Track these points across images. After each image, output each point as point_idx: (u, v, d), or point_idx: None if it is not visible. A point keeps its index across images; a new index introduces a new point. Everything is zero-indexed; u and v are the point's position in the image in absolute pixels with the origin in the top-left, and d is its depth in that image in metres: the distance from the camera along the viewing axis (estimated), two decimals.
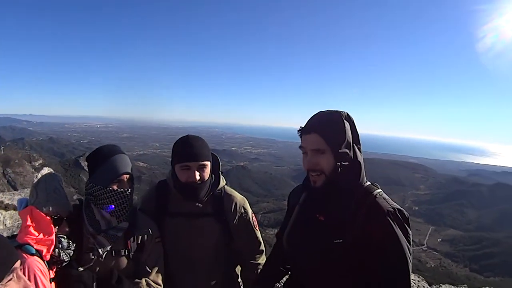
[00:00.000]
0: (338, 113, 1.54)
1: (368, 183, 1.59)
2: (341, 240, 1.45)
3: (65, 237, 1.57)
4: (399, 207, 1.47)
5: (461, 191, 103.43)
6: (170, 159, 2.03)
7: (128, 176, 1.77)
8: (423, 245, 73.71)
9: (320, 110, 1.59)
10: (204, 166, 1.93)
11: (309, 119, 1.57)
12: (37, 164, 73.44)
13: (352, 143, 1.54)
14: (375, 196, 1.50)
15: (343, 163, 1.50)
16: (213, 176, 2.06)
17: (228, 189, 2.14)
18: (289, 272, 1.92)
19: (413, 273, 4.67)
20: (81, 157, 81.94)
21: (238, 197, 2.14)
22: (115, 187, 1.71)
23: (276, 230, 1.97)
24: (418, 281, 4.99)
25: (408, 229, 1.45)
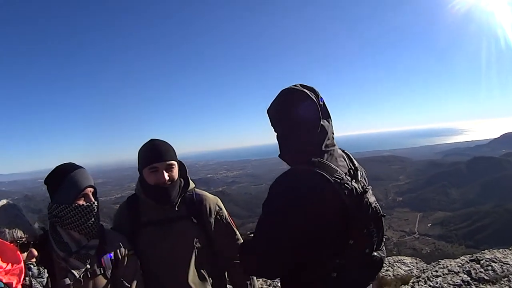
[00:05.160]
0: None
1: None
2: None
3: (35, 264, 1.42)
4: None
5: (440, 173, 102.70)
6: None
7: (92, 189, 1.70)
8: (415, 233, 70.99)
9: None
10: (172, 166, 1.92)
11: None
12: None
13: None
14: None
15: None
16: (182, 180, 2.02)
17: (199, 190, 2.11)
18: None
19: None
20: None
21: (210, 196, 2.12)
22: (80, 202, 1.63)
23: None
24: (416, 263, 5.33)
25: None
